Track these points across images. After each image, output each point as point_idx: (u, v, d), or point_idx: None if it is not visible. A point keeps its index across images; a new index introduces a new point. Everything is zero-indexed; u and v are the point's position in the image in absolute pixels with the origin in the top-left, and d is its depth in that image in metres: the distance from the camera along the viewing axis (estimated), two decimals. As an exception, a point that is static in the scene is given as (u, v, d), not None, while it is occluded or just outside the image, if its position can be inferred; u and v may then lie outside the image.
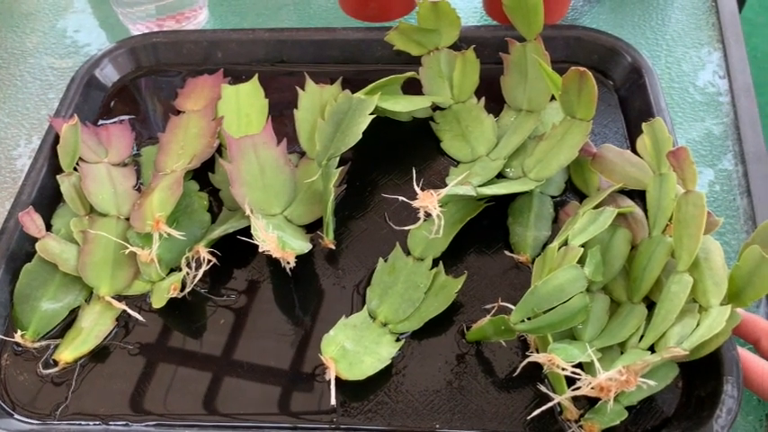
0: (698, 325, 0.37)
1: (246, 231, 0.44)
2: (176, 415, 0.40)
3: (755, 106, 0.53)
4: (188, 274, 0.44)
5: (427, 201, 0.41)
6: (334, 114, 0.49)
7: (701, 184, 0.50)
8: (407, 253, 0.46)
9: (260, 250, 0.40)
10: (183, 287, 0.44)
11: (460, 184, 0.45)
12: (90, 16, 0.66)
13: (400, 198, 0.44)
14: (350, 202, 0.49)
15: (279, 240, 0.42)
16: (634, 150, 0.49)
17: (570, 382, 0.36)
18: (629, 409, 0.38)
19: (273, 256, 0.41)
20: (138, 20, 0.60)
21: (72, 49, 0.63)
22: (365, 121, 0.48)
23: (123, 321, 0.44)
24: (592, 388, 0.33)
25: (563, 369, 0.35)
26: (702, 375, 0.39)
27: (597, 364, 0.34)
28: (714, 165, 0.51)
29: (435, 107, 0.54)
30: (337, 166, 0.49)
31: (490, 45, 0.55)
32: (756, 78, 0.57)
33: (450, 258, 0.46)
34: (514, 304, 0.39)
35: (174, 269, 0.46)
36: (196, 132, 0.52)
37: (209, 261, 0.44)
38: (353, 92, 0.50)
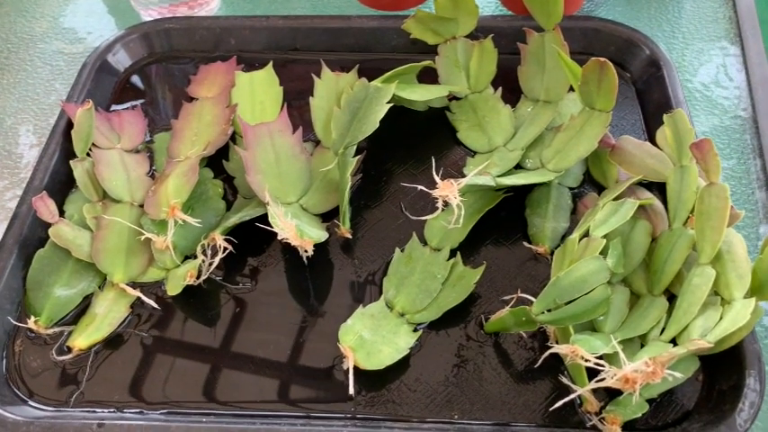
0: (721, 318, 0.37)
1: (262, 219, 0.43)
2: (191, 403, 0.40)
3: (773, 101, 0.53)
4: (203, 261, 0.44)
5: (447, 190, 0.41)
6: (350, 103, 0.49)
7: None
8: (424, 243, 0.45)
9: (279, 238, 0.40)
10: (199, 275, 0.44)
11: (480, 174, 0.44)
12: (99, 2, 0.66)
13: (419, 187, 0.43)
14: (365, 191, 0.49)
15: (297, 229, 0.41)
16: (652, 143, 0.49)
17: (591, 374, 0.36)
18: (649, 401, 0.38)
19: (292, 244, 0.40)
20: (151, 5, 0.60)
21: (82, 34, 0.63)
22: (382, 110, 0.47)
23: (137, 308, 0.44)
24: (617, 380, 0.33)
25: (586, 360, 0.34)
26: (724, 369, 0.39)
27: (622, 356, 0.33)
28: (731, 158, 0.51)
29: (451, 97, 0.53)
30: (353, 155, 0.49)
31: (507, 35, 0.54)
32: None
33: (467, 249, 0.45)
34: (533, 296, 0.38)
35: (189, 257, 0.45)
36: (210, 119, 0.51)
37: (225, 249, 0.43)
38: (368, 80, 0.50)
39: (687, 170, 0.42)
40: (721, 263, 0.38)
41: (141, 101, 0.55)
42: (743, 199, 0.48)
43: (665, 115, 0.44)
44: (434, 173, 0.42)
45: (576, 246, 0.40)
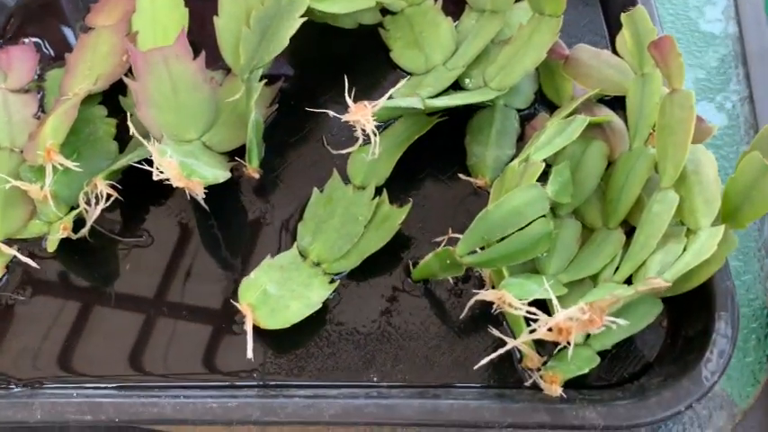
0: (684, 251, 0.30)
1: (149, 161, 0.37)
2: (70, 375, 0.34)
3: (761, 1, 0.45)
4: (86, 211, 0.37)
5: (359, 114, 0.34)
6: (260, 20, 0.42)
7: (695, 88, 0.42)
8: (347, 181, 0.39)
9: (154, 178, 0.34)
10: (84, 227, 0.38)
11: (406, 95, 0.38)
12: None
13: (330, 113, 0.36)
14: (283, 124, 0.42)
15: (183, 167, 0.35)
16: (615, 53, 0.42)
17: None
18: (602, 354, 0.32)
19: (174, 185, 0.34)
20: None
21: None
22: (294, 26, 0.40)
23: (15, 268, 0.38)
24: (549, 330, 0.27)
25: (516, 308, 0.28)
26: (692, 311, 0.33)
27: (555, 301, 0.27)
28: (710, 66, 0.43)
29: (386, 11, 0.46)
30: (268, 83, 0.42)
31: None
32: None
33: (399, 185, 0.39)
34: (471, 234, 0.32)
35: (76, 207, 0.39)
36: (107, 50, 0.44)
37: (110, 196, 0.37)
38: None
39: (649, 78, 0.35)
40: (686, 186, 0.32)
41: (36, 36, 0.48)
42: (723, 114, 0.41)
43: (622, 14, 0.37)
44: (347, 95, 0.35)
45: (515, 173, 0.34)
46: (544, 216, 0.31)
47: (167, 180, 0.34)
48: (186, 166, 0.35)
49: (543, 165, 0.32)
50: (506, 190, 0.33)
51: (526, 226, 0.31)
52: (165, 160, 0.34)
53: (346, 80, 0.36)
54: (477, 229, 0.31)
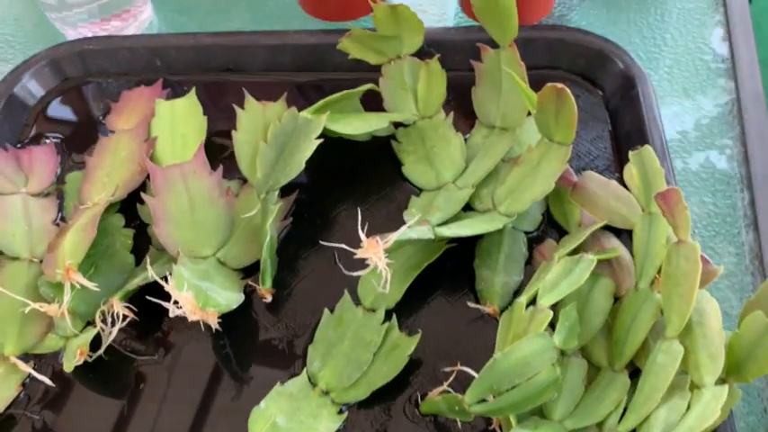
0: (689, 408, 0.31)
1: (155, 288, 0.37)
2: (84, 500, 0.35)
3: (767, 120, 0.46)
4: (103, 330, 0.38)
5: (372, 251, 0.35)
6: (277, 137, 0.43)
7: (700, 213, 0.43)
8: (357, 302, 0.40)
9: (171, 315, 0.34)
10: (100, 345, 0.38)
11: (417, 224, 0.39)
12: (27, 21, 0.60)
13: (343, 246, 0.37)
14: (296, 237, 0.43)
15: (198, 295, 0.36)
16: (622, 175, 0.43)
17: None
18: (605, 503, 0.32)
19: (190, 319, 0.35)
20: (80, 22, 0.53)
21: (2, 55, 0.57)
22: (310, 148, 0.41)
23: (32, 384, 0.39)
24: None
25: (522, 469, 0.29)
26: (695, 460, 0.33)
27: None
28: (715, 191, 0.44)
29: (398, 123, 0.47)
30: (283, 195, 0.44)
31: (462, 49, 0.48)
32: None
33: (407, 308, 0.39)
34: (479, 364, 0.33)
35: (92, 322, 0.40)
36: (125, 156, 0.46)
37: (125, 317, 0.38)
38: (310, 104, 0.44)
39: (656, 219, 0.36)
40: (691, 337, 0.33)
41: (57, 135, 0.50)
42: (727, 240, 0.42)
43: (630, 152, 0.38)
44: (360, 228, 0.36)
45: (522, 313, 0.34)
46: (553, 364, 0.32)
47: (183, 314, 0.35)
48: (201, 293, 0.36)
49: (551, 313, 0.33)
50: (514, 334, 0.34)
51: (533, 376, 0.32)
52: (181, 295, 0.34)
53: (360, 212, 0.37)
54: (485, 379, 0.32)
